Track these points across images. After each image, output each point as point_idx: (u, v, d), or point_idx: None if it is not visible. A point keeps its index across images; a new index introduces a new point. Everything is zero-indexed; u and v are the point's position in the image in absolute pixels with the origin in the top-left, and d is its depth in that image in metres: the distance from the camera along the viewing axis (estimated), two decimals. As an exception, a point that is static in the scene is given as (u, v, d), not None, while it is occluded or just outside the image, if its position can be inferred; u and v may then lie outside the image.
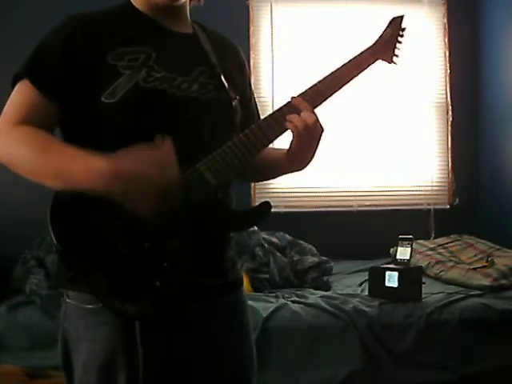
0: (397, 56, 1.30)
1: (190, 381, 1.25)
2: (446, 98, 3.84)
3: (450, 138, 3.84)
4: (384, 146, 3.78)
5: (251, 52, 3.69)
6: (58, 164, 1.10)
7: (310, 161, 1.27)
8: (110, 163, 1.08)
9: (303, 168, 1.29)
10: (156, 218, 1.10)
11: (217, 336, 1.27)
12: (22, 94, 1.15)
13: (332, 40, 3.66)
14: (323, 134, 1.22)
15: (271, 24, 3.73)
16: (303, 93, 1.21)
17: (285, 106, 1.21)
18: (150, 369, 1.16)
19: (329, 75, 1.23)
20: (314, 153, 1.25)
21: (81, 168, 1.08)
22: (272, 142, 1.21)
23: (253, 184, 3.64)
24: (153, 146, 1.11)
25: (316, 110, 1.21)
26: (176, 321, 1.19)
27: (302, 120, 1.18)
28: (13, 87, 1.17)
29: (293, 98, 1.20)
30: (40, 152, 1.11)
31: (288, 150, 1.25)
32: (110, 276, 1.11)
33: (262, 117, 1.31)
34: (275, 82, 3.70)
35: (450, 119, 3.83)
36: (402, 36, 1.30)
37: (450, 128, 3.84)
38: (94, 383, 1.17)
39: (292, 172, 1.33)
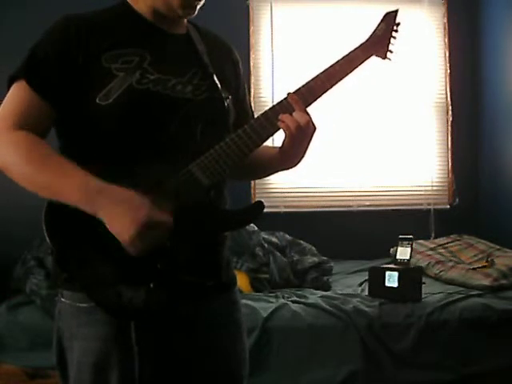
0: (391, 52, 1.26)
1: (181, 380, 1.25)
2: (446, 98, 3.83)
3: (449, 138, 3.84)
4: (384, 145, 3.78)
5: (251, 52, 3.69)
6: (49, 176, 1.10)
7: (302, 159, 1.26)
8: (104, 184, 1.08)
9: (295, 166, 1.29)
10: (136, 250, 1.08)
11: (209, 336, 1.27)
12: (17, 95, 1.16)
13: (332, 40, 3.65)
14: (315, 133, 1.21)
15: (271, 24, 3.73)
16: (296, 91, 1.20)
17: (277, 104, 1.20)
18: (143, 368, 1.16)
19: (321, 73, 1.22)
20: (306, 151, 1.24)
21: (71, 183, 1.08)
22: (264, 141, 1.21)
23: (253, 184, 3.64)
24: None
25: (310, 109, 1.20)
26: (169, 320, 1.19)
27: (295, 120, 1.17)
28: (8, 89, 1.17)
29: (289, 93, 1.20)
30: (34, 161, 1.11)
31: (280, 148, 1.25)
32: (104, 278, 1.11)
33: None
34: (275, 82, 3.70)
35: (450, 119, 3.83)
36: (396, 31, 1.26)
37: (449, 128, 3.84)
38: (88, 382, 1.17)
39: (284, 170, 1.32)
